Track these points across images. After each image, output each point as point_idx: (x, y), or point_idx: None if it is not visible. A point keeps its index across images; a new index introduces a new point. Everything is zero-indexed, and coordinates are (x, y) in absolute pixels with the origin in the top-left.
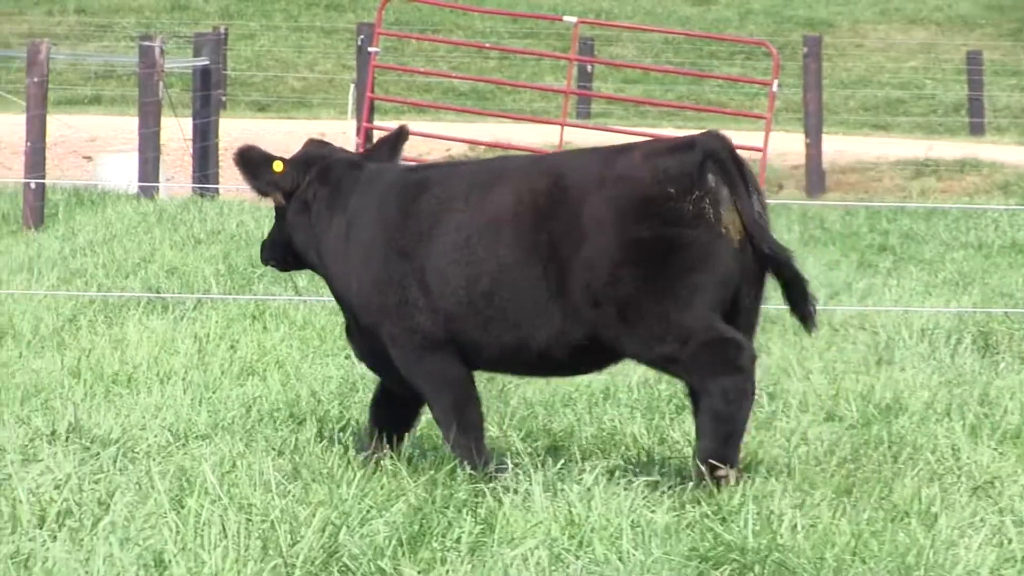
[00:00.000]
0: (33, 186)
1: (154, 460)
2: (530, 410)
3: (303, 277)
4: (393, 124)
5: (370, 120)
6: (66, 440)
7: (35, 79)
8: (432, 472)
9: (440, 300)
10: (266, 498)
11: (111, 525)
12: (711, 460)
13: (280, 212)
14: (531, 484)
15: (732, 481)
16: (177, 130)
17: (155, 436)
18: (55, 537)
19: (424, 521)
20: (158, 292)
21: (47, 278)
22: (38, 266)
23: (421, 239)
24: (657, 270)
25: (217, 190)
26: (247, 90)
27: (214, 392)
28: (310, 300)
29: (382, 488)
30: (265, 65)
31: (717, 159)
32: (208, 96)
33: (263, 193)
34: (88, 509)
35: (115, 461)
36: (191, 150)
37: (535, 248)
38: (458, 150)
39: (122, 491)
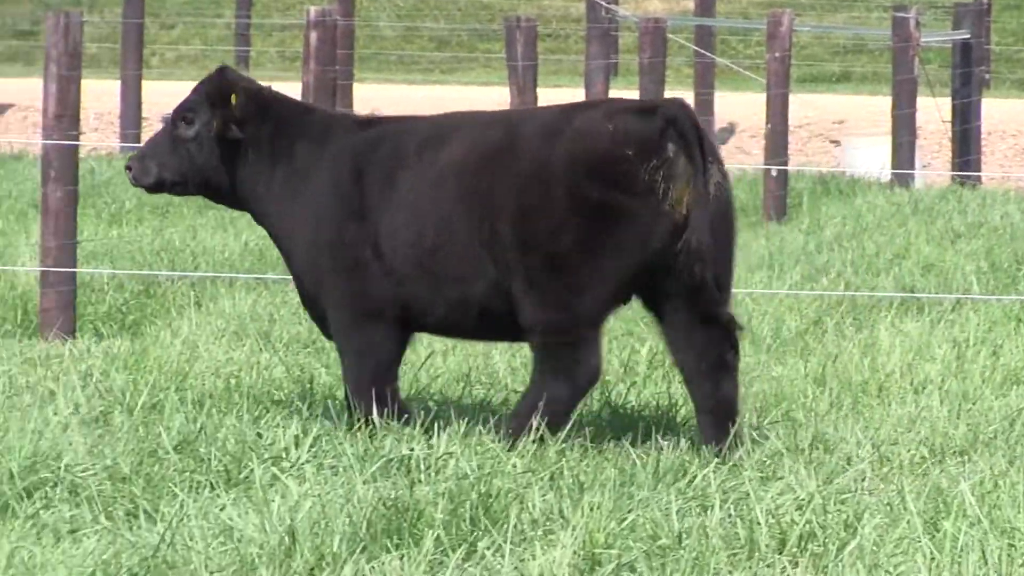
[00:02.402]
0: (774, 173)
1: (907, 478)
2: None
3: None
4: None
5: None
6: (809, 456)
7: (776, 54)
8: None
9: (393, 261)
10: None
11: (858, 550)
12: (512, 432)
13: (197, 137)
14: None
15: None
16: (934, 111)
17: (908, 451)
18: (796, 563)
19: None
20: (912, 291)
21: (789, 275)
22: (780, 262)
23: (376, 197)
24: (594, 237)
25: (979, 178)
26: (1012, 67)
27: (974, 403)
28: None
29: None
30: None
31: (678, 127)
32: (969, 74)
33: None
34: (833, 532)
35: (864, 479)
36: (949, 133)
37: (474, 199)
38: None
39: (871, 513)
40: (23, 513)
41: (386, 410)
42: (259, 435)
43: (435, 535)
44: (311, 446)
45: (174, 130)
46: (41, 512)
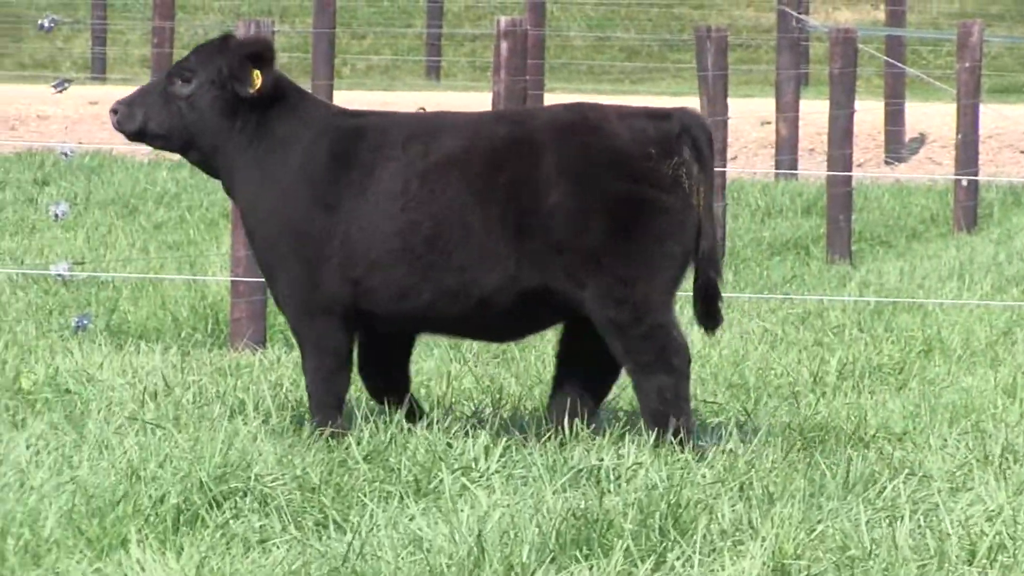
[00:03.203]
0: (965, 183)
1: None
2: None
3: None
4: None
5: None
6: (999, 467)
7: (967, 64)
8: None
9: (369, 254)
10: None
11: None
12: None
13: (191, 96)
14: None
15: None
16: None
17: None
18: (985, 574)
19: None
20: None
21: (980, 286)
22: (970, 272)
23: (352, 190)
24: (631, 229)
25: None
26: None
27: None
28: None
29: None
30: None
31: (692, 135)
32: None
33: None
34: (1022, 543)
35: None
36: None
37: (491, 192)
38: None
39: None
40: (213, 523)
41: (334, 412)
42: (449, 445)
43: (624, 545)
44: (500, 456)
45: (168, 85)
46: (231, 522)
